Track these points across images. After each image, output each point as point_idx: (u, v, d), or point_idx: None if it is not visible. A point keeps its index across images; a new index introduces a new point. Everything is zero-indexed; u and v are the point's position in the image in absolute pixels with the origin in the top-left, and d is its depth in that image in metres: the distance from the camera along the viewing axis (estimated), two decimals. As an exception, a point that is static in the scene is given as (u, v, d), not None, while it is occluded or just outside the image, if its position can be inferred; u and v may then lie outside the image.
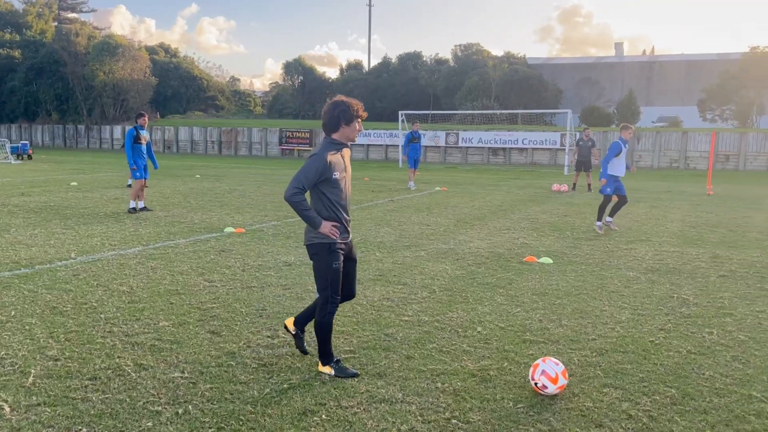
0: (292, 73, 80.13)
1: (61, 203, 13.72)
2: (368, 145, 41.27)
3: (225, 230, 10.41)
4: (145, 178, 12.39)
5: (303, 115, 73.00)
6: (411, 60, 68.69)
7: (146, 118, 12.38)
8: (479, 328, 5.42)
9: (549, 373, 4.11)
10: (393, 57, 71.11)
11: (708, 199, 17.42)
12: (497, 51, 78.14)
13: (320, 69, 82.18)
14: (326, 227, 4.11)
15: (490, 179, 24.98)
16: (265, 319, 5.55)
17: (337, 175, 4.16)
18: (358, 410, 3.81)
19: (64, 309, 5.73)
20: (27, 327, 5.19)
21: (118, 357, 4.56)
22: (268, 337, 5.08)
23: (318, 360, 4.39)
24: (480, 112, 42.87)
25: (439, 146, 39.49)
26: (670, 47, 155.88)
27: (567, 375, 4.18)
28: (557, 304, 6.23)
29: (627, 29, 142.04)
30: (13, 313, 5.57)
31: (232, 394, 4.00)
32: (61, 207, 13.04)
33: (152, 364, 4.43)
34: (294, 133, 43.47)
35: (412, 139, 19.06)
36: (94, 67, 52.08)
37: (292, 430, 3.55)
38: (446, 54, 74.78)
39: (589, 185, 19.04)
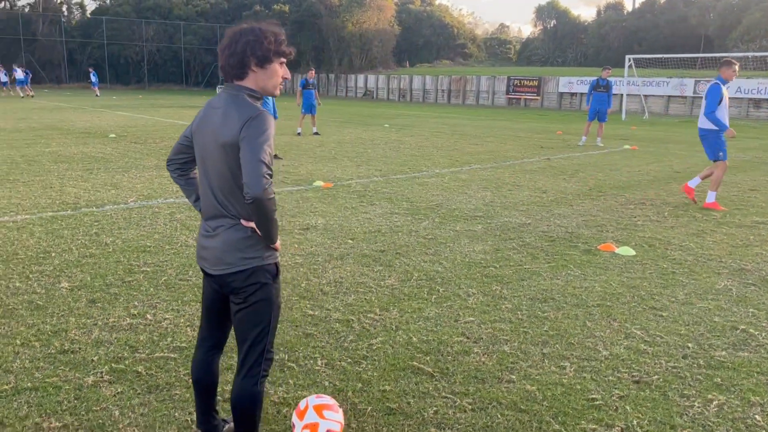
0: (544, 17, 75.93)
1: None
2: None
3: (313, 184, 9.98)
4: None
5: (551, 62, 69.04)
6: (682, -4, 60.04)
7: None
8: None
9: (335, 428, 2.89)
10: (662, -5, 62.81)
11: None
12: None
13: (575, 12, 76.36)
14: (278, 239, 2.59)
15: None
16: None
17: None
18: None
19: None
20: None
21: None
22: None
23: None
24: (752, 54, 35.63)
25: (685, 96, 33.87)
26: None
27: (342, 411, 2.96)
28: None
29: None
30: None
31: None
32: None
33: None
34: (522, 81, 41.13)
35: (597, 87, 16.34)
36: (345, 18, 55.17)
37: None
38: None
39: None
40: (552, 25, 74.28)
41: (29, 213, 7.53)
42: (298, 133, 18.07)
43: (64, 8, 72.96)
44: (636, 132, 21.87)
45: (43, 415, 3.14)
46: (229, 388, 3.08)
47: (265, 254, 2.57)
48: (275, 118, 12.61)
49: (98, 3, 75.36)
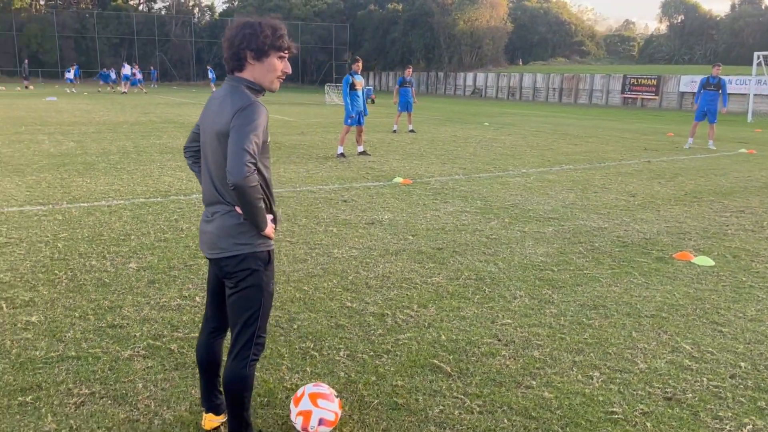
0: (671, 12, 71.53)
1: (302, 144, 15.05)
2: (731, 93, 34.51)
3: (393, 180, 10.06)
4: (360, 125, 12.69)
5: (677, 59, 64.93)
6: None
7: (359, 64, 12.50)
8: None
9: (328, 417, 2.95)
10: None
11: None
12: None
13: (706, 6, 71.36)
14: (270, 226, 2.65)
15: None
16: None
17: (269, 138, 2.70)
18: None
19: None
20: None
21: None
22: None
23: None
24: None
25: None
26: None
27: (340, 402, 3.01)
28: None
29: None
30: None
31: (41, 344, 3.90)
32: (298, 146, 14.34)
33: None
34: (639, 80, 39.03)
35: (707, 85, 15.18)
36: (457, 15, 54.91)
37: None
38: None
39: None
40: (679, 21, 69.86)
41: (124, 199, 8.15)
42: (394, 131, 18.23)
43: (196, 11, 77.91)
44: (760, 135, 20.15)
45: (77, 381, 3.41)
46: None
47: (257, 241, 2.65)
48: (365, 114, 12.77)
49: (227, 5, 79.85)
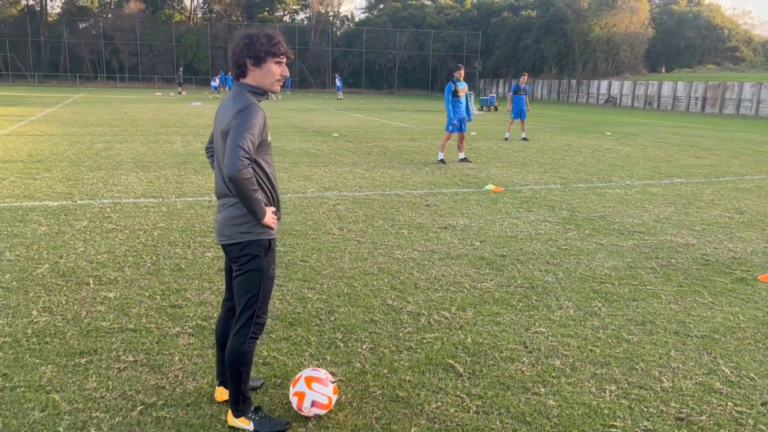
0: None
1: (408, 149, 15.32)
2: None
3: (484, 187, 10.07)
4: (462, 132, 12.76)
5: None
6: None
7: (461, 71, 12.55)
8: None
9: (321, 400, 3.18)
10: None
11: None
12: None
13: None
14: (270, 216, 2.94)
15: None
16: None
17: (269, 136, 2.98)
18: None
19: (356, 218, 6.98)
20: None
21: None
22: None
23: (229, 409, 3.12)
24: None
25: None
26: None
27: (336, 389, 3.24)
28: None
29: None
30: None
31: (111, 317, 4.45)
32: (402, 152, 14.63)
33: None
34: (796, 89, 35.46)
35: None
36: (592, 22, 52.92)
37: None
38: None
39: None
40: None
41: (225, 195, 8.85)
42: (506, 139, 18.04)
43: (337, 21, 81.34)
44: None
45: (126, 350, 3.88)
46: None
47: (259, 230, 2.94)
48: (468, 119, 12.81)
49: (366, 14, 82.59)
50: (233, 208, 2.94)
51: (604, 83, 51.17)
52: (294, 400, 3.16)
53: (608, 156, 14.76)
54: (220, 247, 6.10)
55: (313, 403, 3.13)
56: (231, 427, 3.09)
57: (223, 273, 5.35)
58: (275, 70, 2.91)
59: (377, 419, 3.20)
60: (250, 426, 3.06)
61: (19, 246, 6.04)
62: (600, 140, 18.86)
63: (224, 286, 3.34)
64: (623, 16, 52.01)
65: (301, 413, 3.16)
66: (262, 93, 2.95)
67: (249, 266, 2.96)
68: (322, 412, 3.16)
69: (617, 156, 14.83)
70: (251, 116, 2.76)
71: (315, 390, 3.13)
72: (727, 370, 3.79)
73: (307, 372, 3.23)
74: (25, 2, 71.70)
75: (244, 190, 2.74)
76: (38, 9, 72.18)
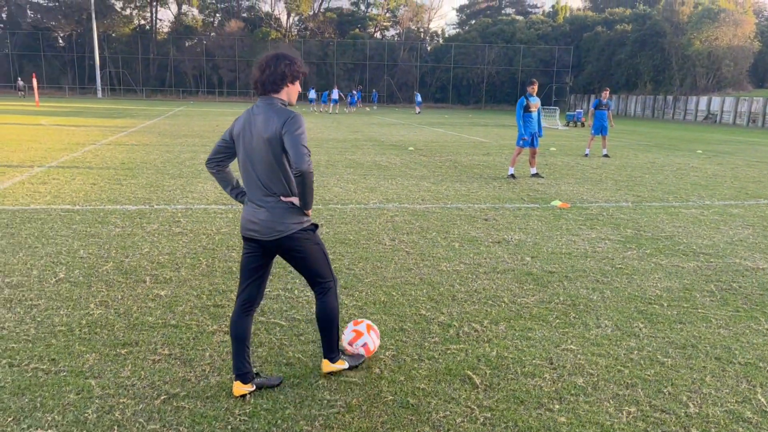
0: None
1: (480, 164, 15.20)
2: None
3: (551, 203, 9.90)
4: (534, 147, 12.58)
5: None
6: None
7: (535, 86, 12.36)
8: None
9: (370, 346, 3.95)
10: None
11: None
12: None
13: None
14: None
15: None
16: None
17: None
18: (168, 355, 4.00)
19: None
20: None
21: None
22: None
23: (325, 360, 3.71)
24: None
25: None
26: None
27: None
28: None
29: None
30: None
31: (158, 313, 4.75)
32: (474, 166, 14.55)
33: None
34: None
35: None
36: (692, 35, 50.55)
37: None
38: None
39: None
40: None
41: (290, 204, 9.17)
42: (586, 155, 17.57)
43: (427, 37, 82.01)
44: None
45: (164, 344, 4.14)
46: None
47: (303, 219, 3.44)
48: (540, 135, 12.62)
49: (457, 30, 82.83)
50: (279, 207, 3.35)
51: (704, 99, 48.62)
52: (350, 335, 3.90)
53: (692, 174, 14.07)
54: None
55: (364, 345, 3.88)
56: (329, 373, 3.71)
57: (270, 278, 5.61)
58: (299, 89, 3.39)
59: (382, 423, 3.26)
60: (346, 364, 3.75)
61: (93, 245, 6.54)
62: (688, 158, 18.00)
63: (239, 284, 3.55)
64: (726, 29, 49.32)
65: (347, 346, 3.88)
66: (287, 105, 3.37)
67: (309, 245, 3.47)
68: (364, 356, 3.89)
69: (702, 175, 14.11)
70: (300, 123, 3.24)
71: (371, 337, 3.92)
72: (763, 399, 3.57)
73: (370, 322, 3.96)
74: (137, 22, 77.10)
75: (310, 183, 3.24)
76: (148, 28, 77.35)
